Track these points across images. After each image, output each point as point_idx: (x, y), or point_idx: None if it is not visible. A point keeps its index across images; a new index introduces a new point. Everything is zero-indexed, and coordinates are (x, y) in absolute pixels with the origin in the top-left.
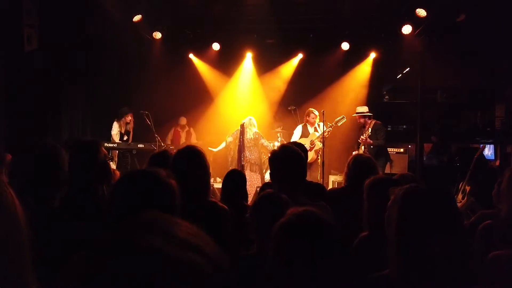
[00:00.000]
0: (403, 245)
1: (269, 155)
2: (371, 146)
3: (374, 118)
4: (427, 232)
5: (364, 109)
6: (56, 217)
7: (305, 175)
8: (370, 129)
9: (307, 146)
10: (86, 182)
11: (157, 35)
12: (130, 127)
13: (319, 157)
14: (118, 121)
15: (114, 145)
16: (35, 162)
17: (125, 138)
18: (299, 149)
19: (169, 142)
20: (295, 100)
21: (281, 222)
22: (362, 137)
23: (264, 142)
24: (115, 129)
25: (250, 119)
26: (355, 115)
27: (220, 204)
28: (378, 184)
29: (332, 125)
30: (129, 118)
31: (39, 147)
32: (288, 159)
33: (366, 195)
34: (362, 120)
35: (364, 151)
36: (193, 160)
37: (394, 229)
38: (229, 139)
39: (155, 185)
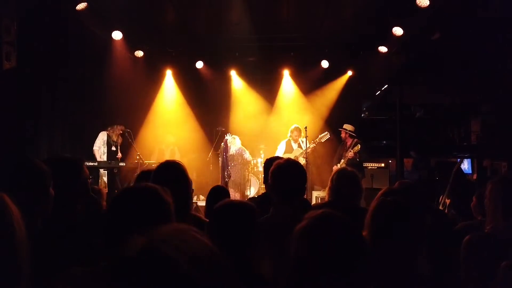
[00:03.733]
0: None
1: (272, 166)
2: (357, 160)
3: (356, 134)
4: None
5: (351, 127)
6: (39, 236)
7: (305, 188)
8: (357, 146)
9: None
10: (68, 200)
11: (139, 53)
12: (120, 141)
13: None
14: (112, 129)
15: (95, 163)
16: (22, 179)
17: (113, 148)
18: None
19: (154, 161)
20: (278, 117)
21: (302, 227)
22: (349, 152)
23: (248, 156)
24: (98, 142)
25: (234, 137)
26: (342, 130)
27: (204, 218)
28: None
29: (316, 141)
30: (119, 129)
31: (27, 165)
32: (294, 172)
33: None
34: (344, 136)
35: (344, 166)
36: (174, 174)
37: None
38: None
39: (156, 200)
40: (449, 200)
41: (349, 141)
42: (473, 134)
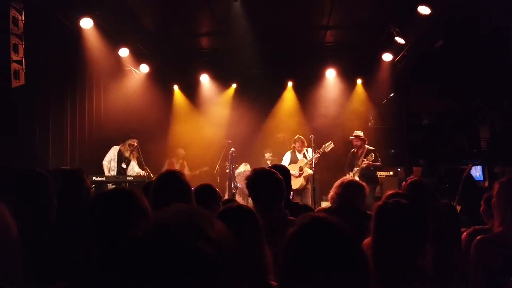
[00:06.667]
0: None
1: (245, 180)
2: (371, 168)
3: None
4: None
5: (361, 133)
6: (40, 243)
7: (283, 193)
8: (371, 155)
9: (296, 172)
10: (71, 209)
11: (145, 68)
12: (133, 155)
13: (309, 184)
14: (124, 145)
15: (103, 178)
16: (20, 188)
17: (124, 166)
18: (279, 170)
19: None
20: (284, 127)
21: (294, 231)
22: (364, 160)
23: None
24: (108, 157)
25: (246, 164)
26: (352, 138)
27: None
28: None
29: (320, 151)
30: (132, 142)
31: (27, 174)
32: (260, 180)
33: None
34: (358, 143)
35: (355, 175)
36: (174, 183)
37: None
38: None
39: (128, 202)
40: (459, 207)
41: (361, 148)
42: (482, 140)
